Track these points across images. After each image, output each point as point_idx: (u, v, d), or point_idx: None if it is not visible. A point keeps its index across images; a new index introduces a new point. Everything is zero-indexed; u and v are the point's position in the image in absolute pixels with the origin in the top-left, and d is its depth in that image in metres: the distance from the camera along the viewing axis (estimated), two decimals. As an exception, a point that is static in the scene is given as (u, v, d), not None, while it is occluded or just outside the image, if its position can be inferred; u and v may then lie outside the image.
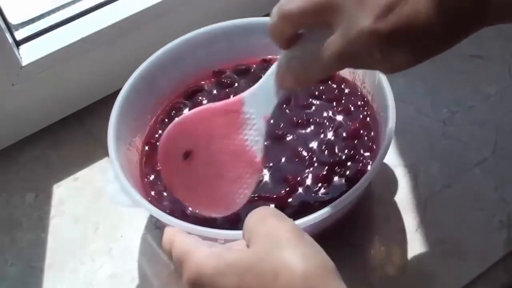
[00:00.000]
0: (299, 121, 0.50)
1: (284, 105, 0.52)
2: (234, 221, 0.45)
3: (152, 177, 0.49)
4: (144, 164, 0.50)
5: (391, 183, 0.53)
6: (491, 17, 0.34)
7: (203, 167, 0.45)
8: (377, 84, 0.48)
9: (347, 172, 0.47)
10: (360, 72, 0.52)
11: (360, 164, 0.48)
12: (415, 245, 0.49)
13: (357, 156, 0.48)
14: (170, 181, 0.45)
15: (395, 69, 0.35)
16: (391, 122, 0.45)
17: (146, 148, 0.51)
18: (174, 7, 0.59)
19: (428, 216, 0.51)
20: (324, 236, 0.47)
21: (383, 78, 0.48)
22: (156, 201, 0.48)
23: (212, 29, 0.54)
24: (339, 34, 0.34)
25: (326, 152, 0.49)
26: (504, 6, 0.34)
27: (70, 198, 0.55)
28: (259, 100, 0.42)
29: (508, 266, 0.48)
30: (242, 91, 0.44)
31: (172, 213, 0.45)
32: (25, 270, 0.50)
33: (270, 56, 0.56)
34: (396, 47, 0.34)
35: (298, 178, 0.47)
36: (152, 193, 0.48)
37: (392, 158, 0.55)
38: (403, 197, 0.52)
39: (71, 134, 0.59)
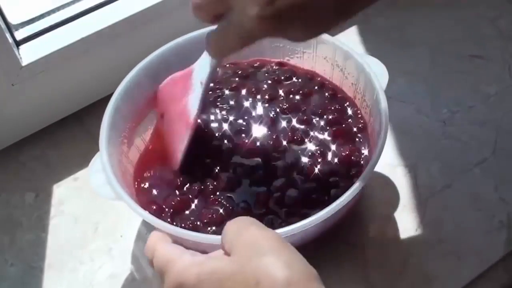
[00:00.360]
0: (295, 137, 0.50)
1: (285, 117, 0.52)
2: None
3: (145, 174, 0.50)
4: (138, 161, 0.51)
5: (391, 184, 0.53)
6: None
7: (167, 127, 0.51)
8: (375, 99, 0.48)
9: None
10: (361, 87, 0.51)
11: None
12: (415, 245, 0.49)
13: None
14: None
15: (296, 41, 0.39)
16: (383, 134, 0.45)
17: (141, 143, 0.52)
18: (173, 7, 0.59)
19: (428, 216, 0.51)
20: (324, 236, 0.47)
21: (381, 96, 0.47)
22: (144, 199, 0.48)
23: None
24: (235, 17, 0.37)
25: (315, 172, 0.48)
26: None
27: (70, 198, 0.55)
28: (200, 68, 0.48)
29: (508, 266, 0.48)
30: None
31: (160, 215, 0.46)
32: (25, 270, 0.51)
33: (278, 60, 0.56)
34: (288, 25, 0.36)
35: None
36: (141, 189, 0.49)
37: (392, 158, 0.55)
38: (403, 197, 0.52)
39: (71, 134, 0.59)
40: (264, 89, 0.53)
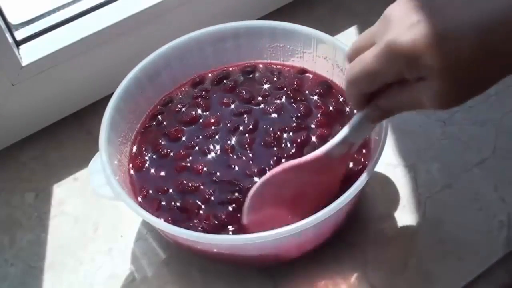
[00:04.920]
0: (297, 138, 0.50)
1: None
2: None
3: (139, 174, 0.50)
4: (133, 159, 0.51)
5: (391, 184, 0.53)
6: None
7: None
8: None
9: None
10: None
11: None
12: (415, 245, 0.49)
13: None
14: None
15: (438, 100, 0.35)
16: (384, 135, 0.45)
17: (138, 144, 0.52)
18: (174, 7, 0.59)
19: (428, 216, 0.51)
20: (324, 236, 0.47)
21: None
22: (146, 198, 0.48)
23: (219, 28, 0.54)
24: (371, 49, 0.36)
25: None
26: None
27: (70, 198, 0.55)
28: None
29: (508, 266, 0.48)
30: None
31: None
32: (25, 270, 0.51)
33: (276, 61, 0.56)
34: (426, 64, 0.33)
35: None
36: (143, 190, 0.49)
37: (392, 158, 0.55)
38: (403, 197, 0.52)
39: (71, 134, 0.59)
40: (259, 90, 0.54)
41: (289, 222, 0.41)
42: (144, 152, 0.51)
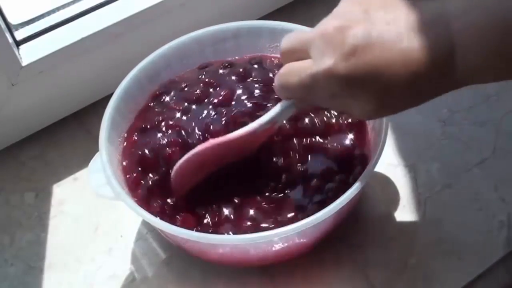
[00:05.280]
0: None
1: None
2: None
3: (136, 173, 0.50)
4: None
5: (391, 184, 0.53)
6: (460, 83, 0.37)
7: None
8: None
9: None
10: None
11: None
12: (415, 245, 0.49)
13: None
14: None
15: (358, 114, 0.39)
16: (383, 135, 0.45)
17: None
18: (174, 7, 0.59)
19: (428, 216, 0.51)
20: (324, 236, 0.47)
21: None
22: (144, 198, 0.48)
23: (219, 28, 0.54)
24: (308, 65, 0.39)
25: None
26: (475, 71, 0.36)
27: (70, 198, 0.55)
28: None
29: (508, 266, 0.48)
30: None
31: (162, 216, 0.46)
32: (25, 270, 0.50)
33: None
34: (357, 91, 0.37)
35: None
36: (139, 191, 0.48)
37: (392, 158, 0.55)
38: (403, 197, 0.52)
39: (71, 134, 0.59)
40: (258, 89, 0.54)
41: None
42: None
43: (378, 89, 0.36)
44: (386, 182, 0.53)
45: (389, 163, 0.54)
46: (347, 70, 0.36)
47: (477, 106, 0.58)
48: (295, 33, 0.42)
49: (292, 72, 0.40)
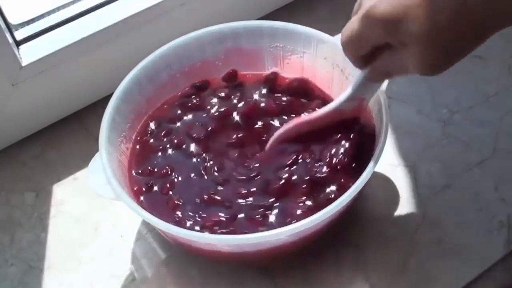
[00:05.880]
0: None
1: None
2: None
3: (140, 173, 0.50)
4: (134, 160, 0.51)
5: (391, 184, 0.53)
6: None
7: None
8: (375, 99, 0.48)
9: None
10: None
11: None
12: (415, 245, 0.49)
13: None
14: None
15: (422, 65, 0.36)
16: (383, 136, 0.45)
17: (137, 145, 0.52)
18: (173, 7, 0.59)
19: (428, 216, 0.51)
20: (324, 236, 0.47)
21: (382, 96, 0.47)
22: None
23: (219, 28, 0.54)
24: (357, 14, 0.38)
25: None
26: None
27: (70, 198, 0.55)
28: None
29: (508, 266, 0.48)
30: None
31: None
32: (25, 270, 0.51)
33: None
34: (404, 32, 0.35)
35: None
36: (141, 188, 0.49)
37: (392, 158, 0.55)
38: (403, 197, 0.52)
39: (71, 134, 0.59)
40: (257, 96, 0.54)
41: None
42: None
43: (423, 25, 0.34)
44: (386, 182, 0.53)
45: (389, 163, 0.54)
46: (385, 6, 0.35)
47: (477, 106, 0.58)
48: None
49: (347, 25, 0.40)
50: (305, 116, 0.49)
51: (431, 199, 0.52)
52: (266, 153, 0.49)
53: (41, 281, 0.50)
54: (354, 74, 0.50)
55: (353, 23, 0.39)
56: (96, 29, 0.56)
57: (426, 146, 0.56)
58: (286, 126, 0.49)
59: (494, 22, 0.35)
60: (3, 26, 0.52)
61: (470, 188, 0.52)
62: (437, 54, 0.36)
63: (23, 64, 0.54)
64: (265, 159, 0.49)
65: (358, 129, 0.48)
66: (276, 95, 0.54)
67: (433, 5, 0.34)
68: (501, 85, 0.60)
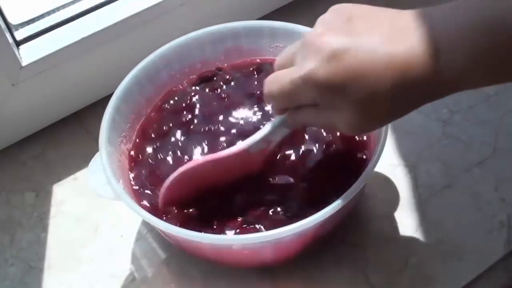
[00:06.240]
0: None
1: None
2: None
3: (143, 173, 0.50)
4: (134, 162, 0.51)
5: (391, 184, 0.53)
6: (449, 88, 0.36)
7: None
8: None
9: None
10: None
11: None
12: (415, 245, 0.49)
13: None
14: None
15: (349, 128, 0.38)
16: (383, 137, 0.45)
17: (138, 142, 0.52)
18: (173, 7, 0.59)
19: (428, 216, 0.51)
20: (324, 236, 0.47)
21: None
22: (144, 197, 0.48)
23: (219, 28, 0.54)
24: (290, 71, 0.38)
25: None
26: (464, 74, 0.35)
27: (70, 198, 0.55)
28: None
29: (508, 266, 0.48)
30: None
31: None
32: (25, 270, 0.51)
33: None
34: (340, 98, 0.36)
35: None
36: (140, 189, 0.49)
37: (392, 158, 0.55)
38: (403, 197, 0.52)
39: (71, 134, 0.59)
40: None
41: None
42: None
43: (361, 95, 0.35)
44: (386, 182, 0.53)
45: (389, 163, 0.54)
46: (327, 73, 0.35)
47: (477, 106, 0.58)
48: (287, 47, 0.42)
49: (276, 78, 0.40)
50: (211, 155, 0.46)
51: (431, 199, 0.52)
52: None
53: (41, 281, 0.50)
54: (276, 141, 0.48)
55: (284, 79, 0.39)
56: (96, 29, 0.56)
57: (426, 146, 0.56)
58: (189, 164, 0.46)
59: (427, 99, 0.37)
60: (3, 26, 0.52)
61: (470, 188, 0.52)
62: (366, 121, 0.37)
63: (23, 64, 0.54)
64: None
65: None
66: None
67: (372, 76, 0.35)
68: (501, 85, 0.60)
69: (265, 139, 0.44)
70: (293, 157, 0.48)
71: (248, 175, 0.47)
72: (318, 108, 0.38)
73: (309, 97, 0.38)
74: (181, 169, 0.45)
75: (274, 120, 0.44)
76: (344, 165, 0.48)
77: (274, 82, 0.40)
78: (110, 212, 0.53)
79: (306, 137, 0.49)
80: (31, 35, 0.56)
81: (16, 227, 0.53)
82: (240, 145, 0.45)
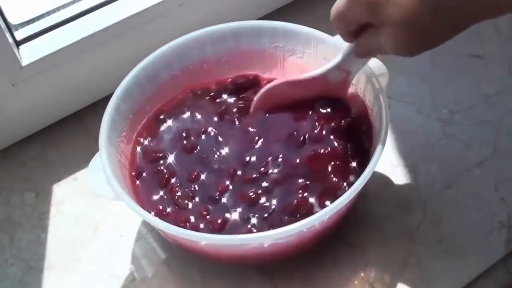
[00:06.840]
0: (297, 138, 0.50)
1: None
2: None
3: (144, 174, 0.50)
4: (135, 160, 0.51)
5: (391, 184, 0.53)
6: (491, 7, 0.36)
7: None
8: (375, 99, 0.48)
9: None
10: (361, 87, 0.51)
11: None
12: (415, 245, 0.49)
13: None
14: None
15: (398, 47, 0.39)
16: (383, 134, 0.45)
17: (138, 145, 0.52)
18: (173, 7, 0.59)
19: (428, 216, 0.51)
20: (324, 236, 0.47)
21: (382, 96, 0.47)
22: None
23: (219, 28, 0.54)
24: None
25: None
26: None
27: (70, 198, 0.55)
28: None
29: (508, 266, 0.48)
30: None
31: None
32: (25, 270, 0.51)
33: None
34: (381, 8, 0.37)
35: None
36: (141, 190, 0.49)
37: (392, 158, 0.55)
38: (403, 197, 0.52)
39: (71, 134, 0.59)
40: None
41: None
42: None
43: (401, 8, 0.36)
44: (386, 182, 0.53)
45: (389, 163, 0.54)
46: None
47: (477, 106, 0.58)
48: None
49: (336, 3, 0.42)
50: (292, 77, 0.51)
51: (431, 199, 0.52)
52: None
53: (41, 281, 0.50)
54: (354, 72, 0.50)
55: (340, 1, 0.42)
56: (96, 29, 0.56)
57: (426, 146, 0.56)
58: (270, 85, 0.51)
59: (473, 14, 0.37)
60: (3, 26, 0.52)
61: (470, 188, 0.52)
62: (411, 37, 0.38)
63: (23, 64, 0.54)
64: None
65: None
66: None
67: None
68: (501, 85, 0.60)
69: (339, 67, 0.48)
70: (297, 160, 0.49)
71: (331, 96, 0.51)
72: (373, 28, 0.41)
73: (358, 13, 0.40)
74: (269, 85, 0.51)
75: (345, 48, 0.46)
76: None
77: (333, 8, 0.43)
78: (110, 212, 0.53)
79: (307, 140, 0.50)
80: (31, 35, 0.56)
81: (16, 227, 0.53)
82: (318, 70, 0.49)
